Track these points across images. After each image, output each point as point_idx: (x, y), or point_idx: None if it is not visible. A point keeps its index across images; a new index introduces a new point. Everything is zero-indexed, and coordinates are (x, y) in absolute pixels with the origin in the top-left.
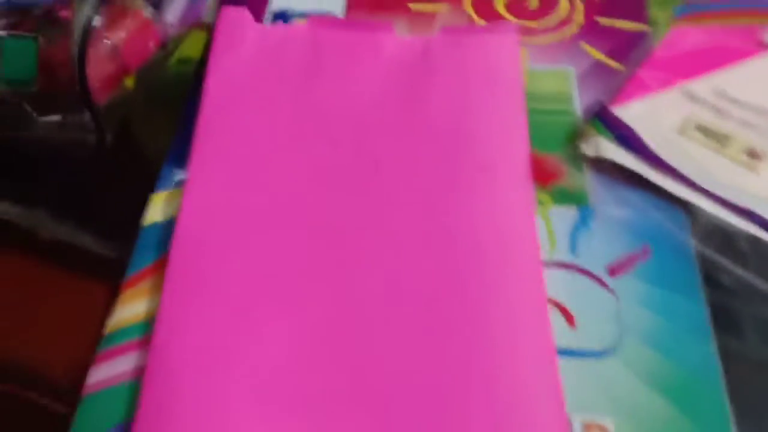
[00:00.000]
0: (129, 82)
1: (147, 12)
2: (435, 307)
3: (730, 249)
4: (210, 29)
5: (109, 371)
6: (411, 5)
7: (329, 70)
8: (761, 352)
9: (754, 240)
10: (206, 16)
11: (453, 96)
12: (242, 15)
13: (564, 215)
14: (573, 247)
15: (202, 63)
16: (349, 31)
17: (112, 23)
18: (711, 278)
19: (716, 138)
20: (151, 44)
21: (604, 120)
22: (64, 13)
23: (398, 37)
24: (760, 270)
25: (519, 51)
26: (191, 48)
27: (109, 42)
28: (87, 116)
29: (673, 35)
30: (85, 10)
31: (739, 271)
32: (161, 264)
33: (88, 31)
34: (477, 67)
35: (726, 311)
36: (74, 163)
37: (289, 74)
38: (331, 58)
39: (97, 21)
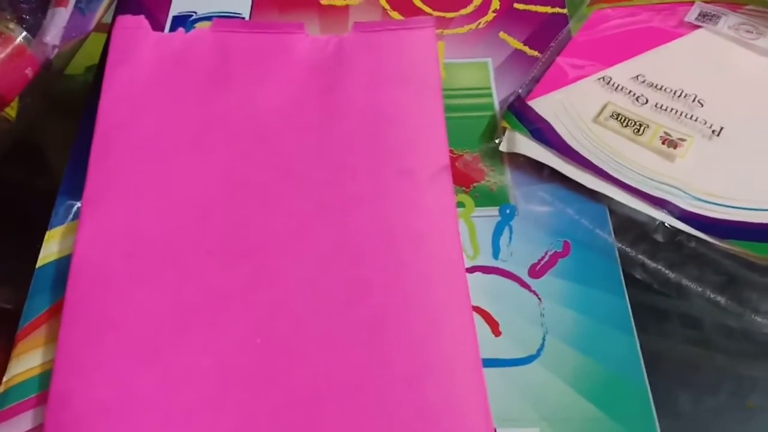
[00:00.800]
0: (10, 112)
1: (20, 37)
2: (355, 321)
3: (647, 242)
4: (109, 30)
5: None
6: (322, 0)
7: (237, 76)
8: (682, 348)
9: (672, 232)
10: (104, 17)
11: (369, 97)
12: (139, 23)
13: (486, 217)
14: (496, 251)
15: (100, 72)
16: (257, 33)
17: None
18: (630, 273)
19: (632, 126)
20: (28, 71)
21: (518, 114)
22: None
23: (309, 36)
24: (677, 263)
25: (437, 46)
26: (94, 53)
27: None
28: None
29: (594, 18)
30: None
31: (657, 265)
32: (59, 308)
33: None
34: (393, 66)
35: (646, 307)
36: None
37: (194, 83)
38: (238, 63)
39: None
